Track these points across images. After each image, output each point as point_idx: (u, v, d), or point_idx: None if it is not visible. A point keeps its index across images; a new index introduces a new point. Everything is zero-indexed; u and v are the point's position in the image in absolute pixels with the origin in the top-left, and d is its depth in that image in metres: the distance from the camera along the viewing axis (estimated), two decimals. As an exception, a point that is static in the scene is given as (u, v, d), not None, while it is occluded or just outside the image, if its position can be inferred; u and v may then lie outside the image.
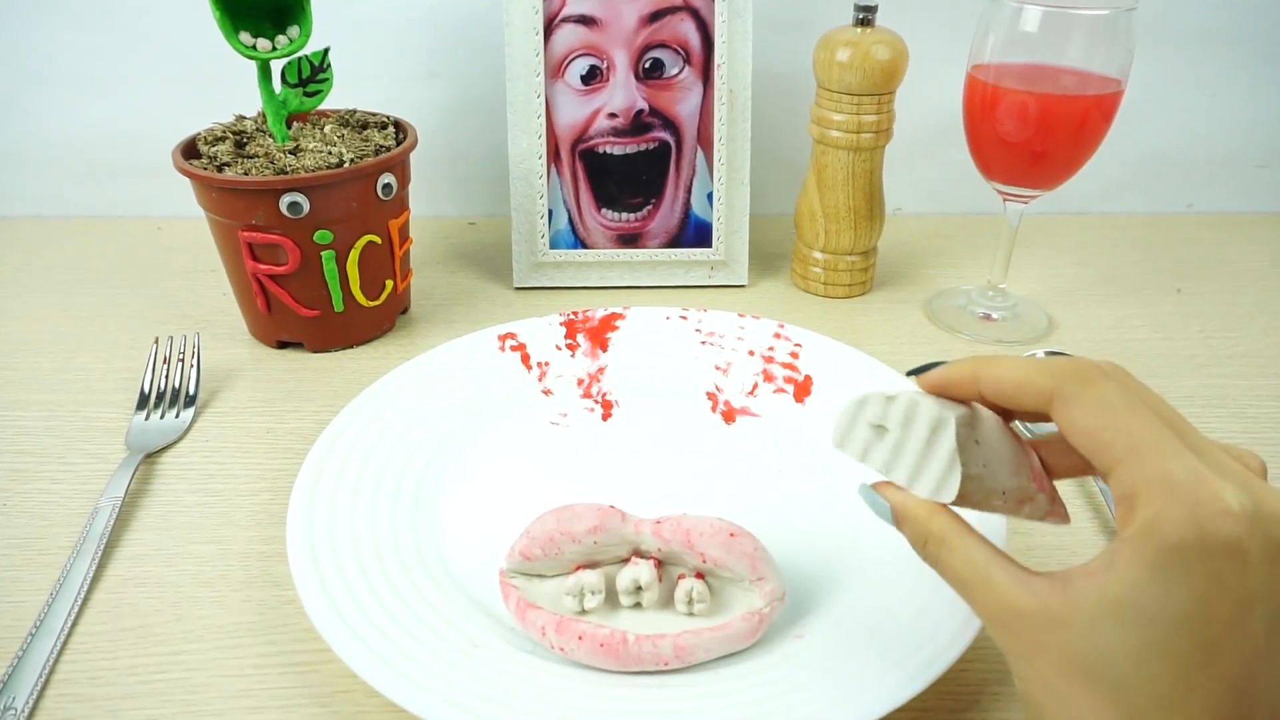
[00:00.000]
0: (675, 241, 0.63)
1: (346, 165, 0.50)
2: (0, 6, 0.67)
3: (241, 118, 0.56)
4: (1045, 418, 0.27)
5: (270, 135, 0.53)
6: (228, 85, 0.58)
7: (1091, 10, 0.48)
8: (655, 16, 0.58)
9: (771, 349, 0.51)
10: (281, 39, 0.50)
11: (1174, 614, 0.22)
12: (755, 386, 0.50)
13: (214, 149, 0.52)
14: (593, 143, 0.61)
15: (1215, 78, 0.72)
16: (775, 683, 0.32)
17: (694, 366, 0.51)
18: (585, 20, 0.58)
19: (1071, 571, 0.25)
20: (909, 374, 0.31)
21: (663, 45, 0.59)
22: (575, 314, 0.53)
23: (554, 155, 0.61)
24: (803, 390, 0.49)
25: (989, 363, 0.28)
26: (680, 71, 0.59)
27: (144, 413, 0.48)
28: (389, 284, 0.55)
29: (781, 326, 0.51)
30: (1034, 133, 0.50)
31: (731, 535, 0.34)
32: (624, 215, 0.62)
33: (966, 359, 0.29)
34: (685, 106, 0.60)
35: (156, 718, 0.32)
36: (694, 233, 0.63)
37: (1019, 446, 0.29)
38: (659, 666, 0.32)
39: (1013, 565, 0.26)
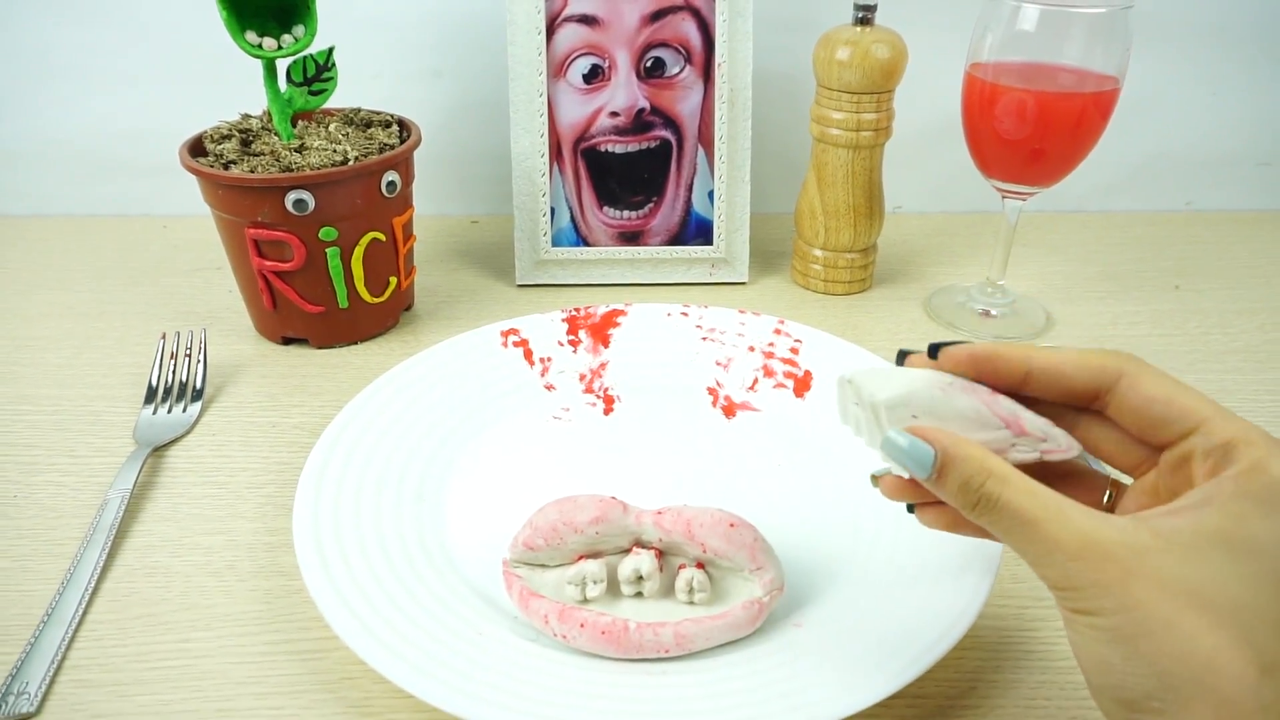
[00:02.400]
0: (676, 239, 0.63)
1: (351, 163, 0.51)
2: (6, 3, 0.67)
3: (247, 116, 0.56)
4: (1088, 401, 0.28)
5: (276, 133, 0.54)
6: (234, 84, 0.59)
7: (1089, 9, 0.48)
8: (656, 16, 0.59)
9: (771, 345, 0.51)
10: (287, 38, 0.51)
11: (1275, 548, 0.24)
12: (755, 382, 0.50)
13: (220, 147, 0.52)
14: (594, 141, 0.61)
15: (1214, 76, 0.73)
16: (774, 670, 0.32)
17: (695, 362, 0.52)
18: (587, 20, 0.59)
19: (1149, 512, 0.25)
20: (930, 350, 0.30)
21: (664, 45, 0.59)
22: (577, 310, 0.53)
23: (556, 154, 0.61)
24: (802, 385, 0.49)
25: (1042, 349, 0.29)
26: (681, 71, 0.60)
27: (152, 407, 0.49)
28: (393, 281, 0.56)
29: (782, 323, 0.52)
30: (1032, 130, 0.51)
31: (731, 526, 0.34)
32: (625, 213, 0.63)
33: (1018, 344, 0.29)
34: (686, 105, 0.61)
35: (165, 703, 0.33)
36: (695, 230, 0.63)
37: (980, 402, 0.28)
38: (660, 654, 0.33)
39: (1078, 504, 0.25)
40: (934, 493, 0.27)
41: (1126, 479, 0.30)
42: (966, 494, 0.26)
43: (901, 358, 0.30)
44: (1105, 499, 0.30)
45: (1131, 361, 0.28)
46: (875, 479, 0.31)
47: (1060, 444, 0.29)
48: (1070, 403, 0.29)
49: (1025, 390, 0.29)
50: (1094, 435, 0.29)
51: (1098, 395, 0.28)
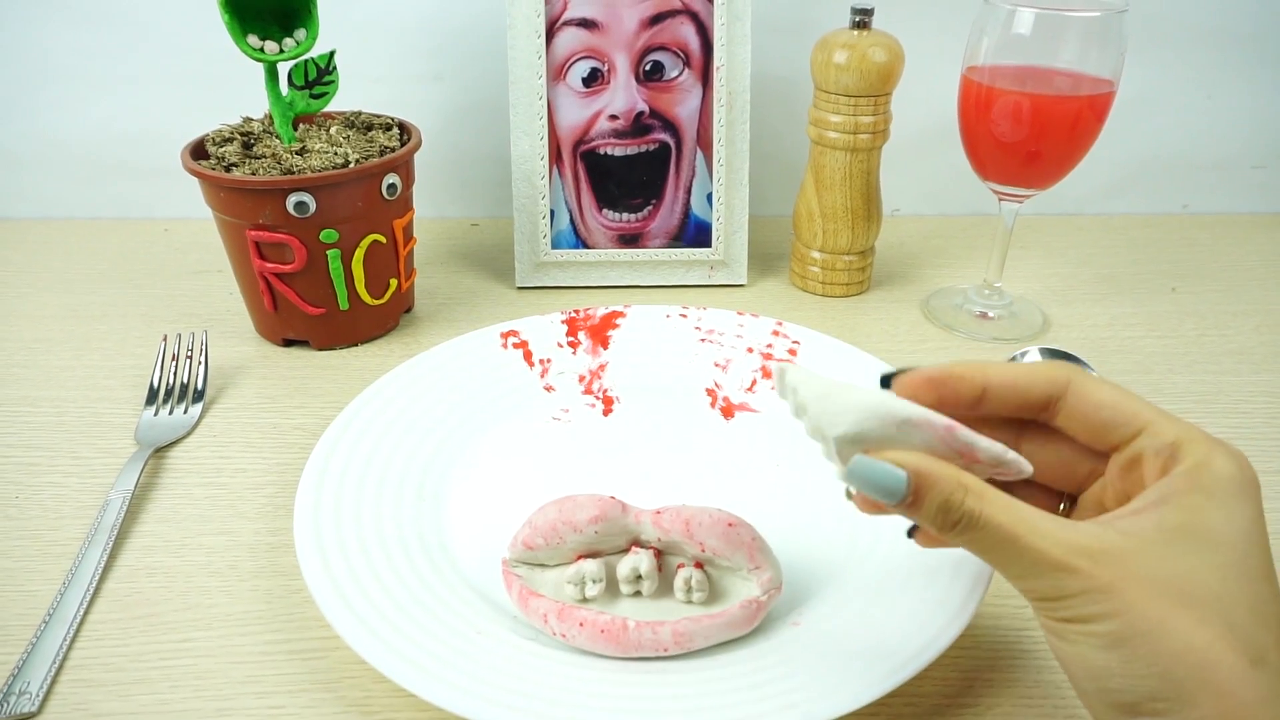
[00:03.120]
0: (675, 241, 0.64)
1: (352, 166, 0.51)
2: (8, 6, 0.67)
3: (249, 119, 0.56)
4: (1038, 412, 0.29)
5: (277, 136, 0.54)
6: (235, 87, 0.59)
7: (1083, 13, 0.49)
8: (655, 20, 0.59)
9: (770, 346, 0.51)
10: (289, 41, 0.51)
11: (1241, 535, 0.25)
12: (754, 383, 0.50)
13: (222, 150, 0.52)
14: (594, 144, 0.61)
15: (1211, 79, 0.73)
16: (772, 669, 0.32)
17: (694, 363, 0.52)
18: (586, 24, 0.59)
19: (1109, 515, 0.26)
20: (883, 381, 0.30)
21: (663, 48, 0.60)
22: (577, 312, 0.54)
23: (556, 157, 0.62)
24: (800, 386, 0.49)
25: (994, 364, 0.29)
26: (680, 74, 0.60)
27: (153, 408, 0.49)
28: (393, 283, 0.56)
29: (780, 324, 0.52)
30: (1028, 133, 0.51)
31: (730, 525, 0.34)
32: (625, 216, 0.63)
33: (970, 362, 0.30)
34: (685, 108, 0.61)
35: (166, 702, 0.33)
36: (694, 233, 0.63)
37: (935, 437, 0.27)
38: (658, 653, 0.33)
39: (1048, 513, 0.26)
40: (906, 517, 0.27)
41: None
42: (947, 514, 0.26)
43: (885, 383, 0.30)
44: (1060, 509, 0.31)
45: (1077, 371, 0.29)
46: (850, 495, 0.31)
47: (1012, 469, 0.28)
48: (1023, 415, 0.30)
49: (983, 407, 0.29)
50: (1039, 454, 0.30)
51: (1048, 405, 0.29)
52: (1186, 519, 0.25)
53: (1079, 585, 0.24)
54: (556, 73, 0.60)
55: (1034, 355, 0.51)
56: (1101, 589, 0.24)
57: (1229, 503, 0.25)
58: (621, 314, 0.54)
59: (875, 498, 0.26)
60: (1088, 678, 0.25)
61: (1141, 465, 0.27)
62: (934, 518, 0.26)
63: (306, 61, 0.53)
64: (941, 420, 0.27)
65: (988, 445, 0.27)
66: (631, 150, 0.62)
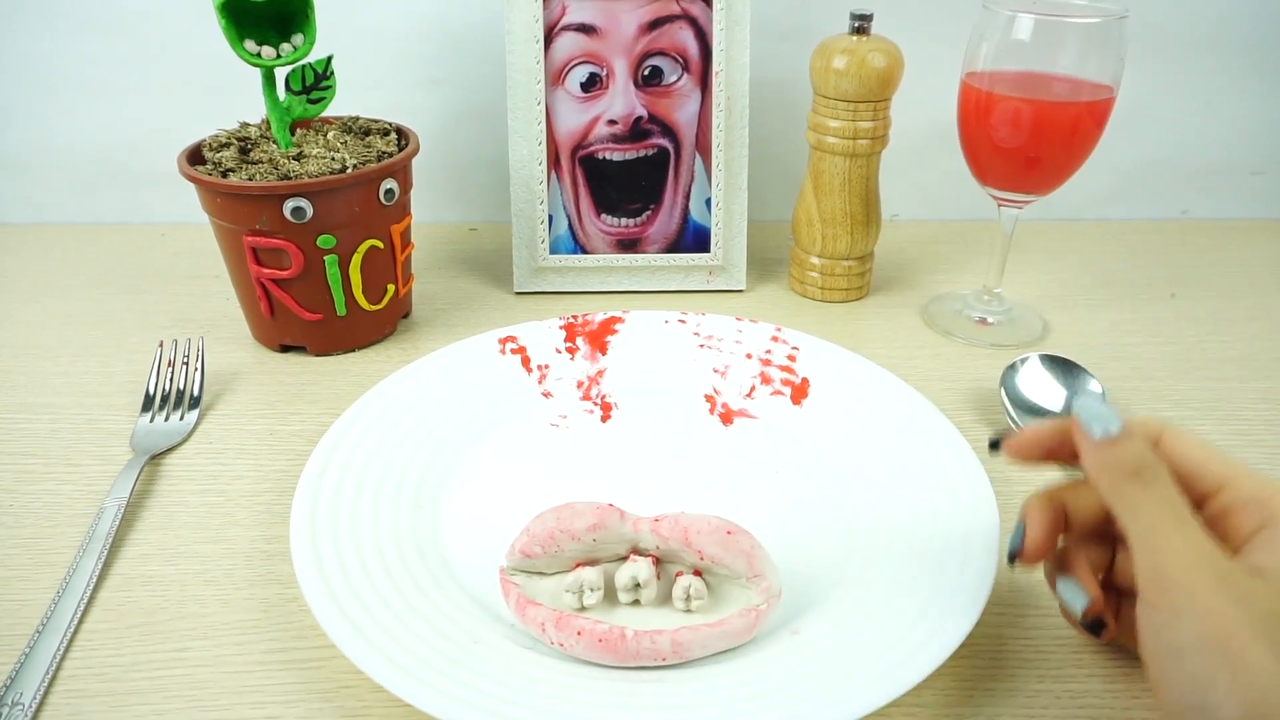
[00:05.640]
0: (674, 247, 0.63)
1: (349, 171, 0.51)
2: (5, 13, 0.67)
3: (246, 124, 0.56)
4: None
5: (274, 142, 0.54)
6: (232, 92, 0.59)
7: (1083, 19, 0.49)
8: (654, 25, 0.59)
9: (769, 352, 0.51)
10: (286, 47, 0.51)
11: None
12: (753, 389, 0.50)
13: (219, 155, 0.52)
14: (592, 149, 0.61)
15: (1210, 85, 0.73)
16: (771, 678, 0.32)
17: (692, 369, 0.52)
18: (585, 29, 0.59)
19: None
20: (991, 445, 0.33)
21: (661, 53, 0.60)
22: (575, 318, 0.53)
23: (554, 161, 0.62)
24: (799, 393, 0.49)
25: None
26: (679, 79, 0.60)
27: (149, 415, 0.49)
28: (391, 288, 0.56)
29: (779, 330, 0.52)
30: (1027, 139, 0.51)
31: (729, 533, 0.34)
32: (623, 221, 0.63)
33: (1052, 422, 0.32)
34: (684, 113, 0.61)
35: (161, 713, 0.33)
36: (692, 238, 0.63)
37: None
38: (657, 662, 0.33)
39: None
40: (1094, 455, 0.29)
41: None
42: (1139, 460, 0.28)
43: (994, 448, 0.33)
44: None
45: (1169, 424, 0.31)
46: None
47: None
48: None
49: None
50: None
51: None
52: None
53: (1195, 587, 0.26)
54: (555, 78, 0.60)
55: (1033, 361, 0.50)
56: (1213, 603, 0.25)
57: None
58: (620, 319, 0.54)
59: (1086, 424, 0.29)
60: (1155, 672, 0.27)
61: (1230, 518, 0.29)
62: (1125, 459, 0.28)
63: (304, 66, 0.53)
64: None
65: None
66: (630, 155, 0.61)
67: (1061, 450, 0.32)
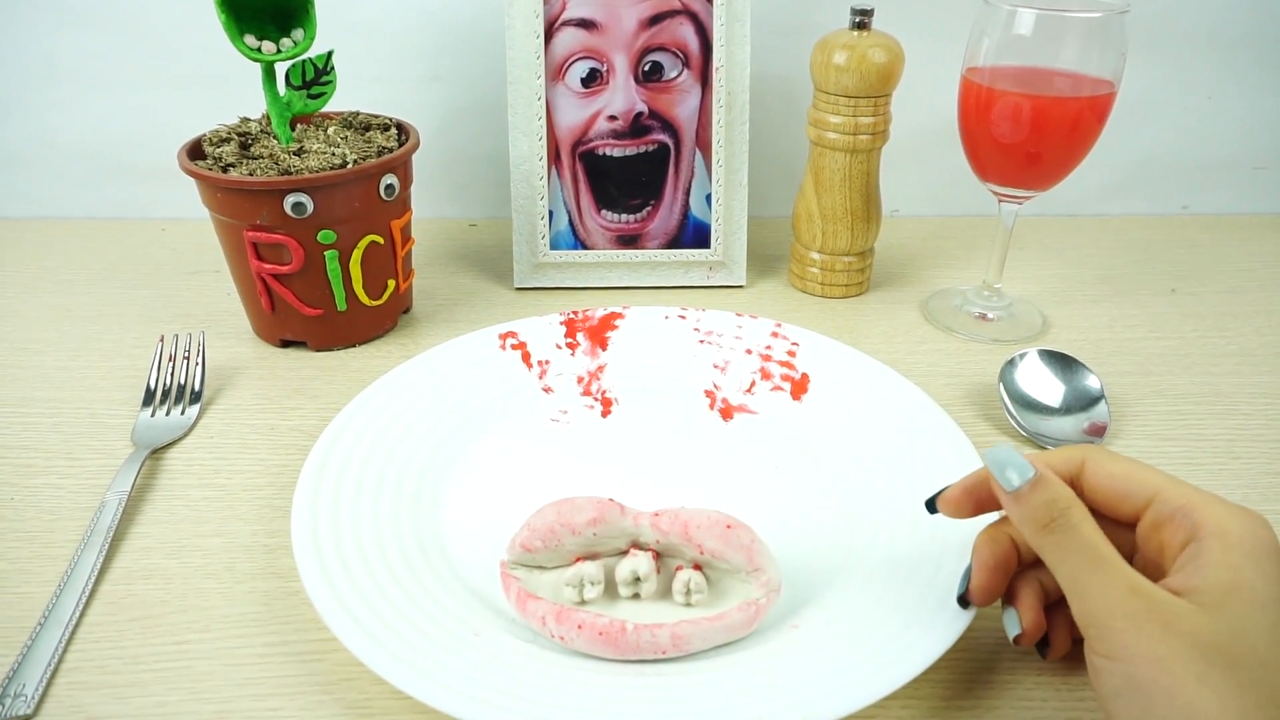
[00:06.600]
0: (674, 242, 0.63)
1: (350, 166, 0.51)
2: (5, 7, 0.67)
3: (246, 119, 0.56)
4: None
5: (275, 137, 0.54)
6: (232, 87, 0.59)
7: (1084, 13, 0.49)
8: (655, 20, 0.59)
9: (769, 347, 0.51)
10: (286, 42, 0.51)
11: (1277, 598, 0.26)
12: (753, 384, 0.50)
13: (219, 150, 0.52)
14: (593, 145, 0.61)
15: (1210, 80, 0.73)
16: (770, 671, 0.32)
17: (692, 365, 0.52)
18: (585, 24, 0.59)
19: (1170, 580, 0.28)
20: (928, 507, 0.34)
21: (662, 48, 0.60)
22: (575, 313, 0.53)
23: (554, 157, 0.61)
24: (799, 388, 0.49)
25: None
26: (679, 74, 0.60)
27: (150, 409, 0.49)
28: (391, 284, 0.56)
29: (779, 325, 0.52)
30: (1028, 134, 0.51)
31: (729, 527, 0.34)
32: (623, 217, 0.63)
33: (977, 473, 0.33)
34: (684, 109, 0.61)
35: (163, 705, 0.33)
36: (693, 234, 0.63)
37: None
38: (657, 655, 0.33)
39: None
40: (1009, 508, 0.30)
41: None
42: (1050, 510, 0.28)
43: (930, 508, 0.34)
44: None
45: (1092, 449, 0.32)
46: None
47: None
48: None
49: None
50: None
51: (1073, 485, 0.31)
52: (1232, 579, 0.26)
53: (1130, 622, 0.26)
54: (555, 73, 0.60)
55: (1033, 357, 0.50)
56: (1152, 635, 0.26)
57: (1263, 566, 0.26)
58: (620, 315, 0.54)
59: (998, 476, 0.30)
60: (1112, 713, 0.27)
61: (1161, 532, 0.29)
62: (1039, 509, 0.29)
63: (304, 62, 0.53)
64: None
65: None
66: (630, 151, 0.61)
67: (991, 500, 0.33)
